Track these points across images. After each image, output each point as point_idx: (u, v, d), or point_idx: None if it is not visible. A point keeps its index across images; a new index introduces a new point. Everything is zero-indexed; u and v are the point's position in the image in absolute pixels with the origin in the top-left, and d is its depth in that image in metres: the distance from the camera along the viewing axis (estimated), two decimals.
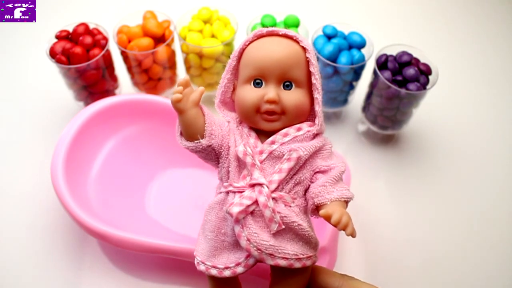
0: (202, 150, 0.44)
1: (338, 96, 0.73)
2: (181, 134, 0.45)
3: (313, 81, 0.44)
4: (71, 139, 0.61)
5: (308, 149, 0.43)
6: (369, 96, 0.71)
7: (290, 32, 0.45)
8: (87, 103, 0.73)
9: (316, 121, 0.45)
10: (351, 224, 0.39)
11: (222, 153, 0.45)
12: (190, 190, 0.67)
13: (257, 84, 0.44)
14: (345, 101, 0.75)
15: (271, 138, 0.44)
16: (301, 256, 0.42)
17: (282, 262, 0.41)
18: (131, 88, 0.78)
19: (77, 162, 0.61)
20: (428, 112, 0.78)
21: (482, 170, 0.74)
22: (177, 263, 0.60)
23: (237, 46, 0.47)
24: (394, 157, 0.74)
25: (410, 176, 0.73)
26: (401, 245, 0.65)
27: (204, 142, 0.43)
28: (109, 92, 0.73)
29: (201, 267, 0.45)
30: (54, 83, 0.77)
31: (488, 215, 0.69)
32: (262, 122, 0.44)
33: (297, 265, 0.42)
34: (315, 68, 0.44)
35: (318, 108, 0.45)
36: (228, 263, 0.44)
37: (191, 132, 0.44)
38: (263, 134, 0.45)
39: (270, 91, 0.43)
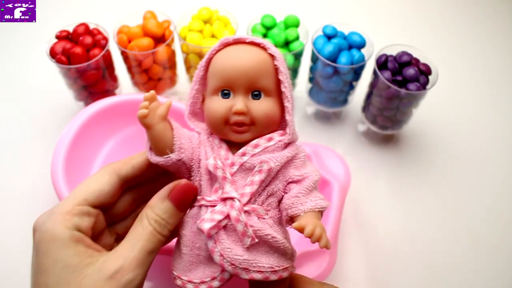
0: (172, 164, 0.43)
1: (338, 96, 0.73)
2: (150, 149, 0.44)
3: (282, 89, 0.43)
4: (71, 139, 0.61)
5: (279, 160, 0.42)
6: (369, 96, 0.72)
7: (257, 39, 0.44)
8: (87, 103, 0.73)
9: (287, 130, 0.44)
10: (324, 236, 0.38)
11: (193, 166, 0.44)
12: None
13: (225, 95, 0.43)
14: (345, 101, 0.75)
15: (241, 150, 0.43)
16: (277, 268, 0.41)
17: (257, 276, 0.41)
18: (131, 88, 0.78)
19: (77, 162, 0.61)
20: (428, 112, 0.78)
21: (482, 170, 0.74)
22: None
23: None
24: (394, 157, 0.75)
25: (410, 176, 0.73)
26: (401, 245, 0.65)
27: (173, 156, 0.42)
28: (109, 92, 0.74)
29: (178, 282, 0.44)
30: (54, 83, 0.77)
31: (489, 215, 0.69)
32: (232, 134, 0.43)
33: (273, 277, 0.41)
34: (283, 76, 0.43)
35: (289, 117, 0.44)
36: (203, 278, 0.43)
37: (160, 147, 0.42)
38: (234, 145, 0.44)
39: (238, 102, 0.42)
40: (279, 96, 0.44)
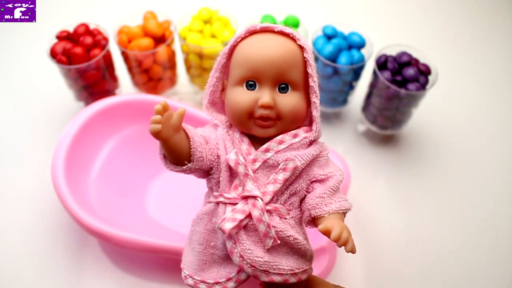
0: (190, 172, 0.41)
1: (338, 96, 0.73)
2: (164, 156, 0.41)
3: (311, 83, 0.41)
4: (72, 139, 0.61)
5: (305, 158, 0.40)
6: (369, 96, 0.72)
7: (287, 29, 0.41)
8: (87, 103, 0.73)
9: (314, 127, 0.42)
10: (351, 240, 0.37)
11: (213, 167, 0.41)
12: (190, 190, 0.67)
13: (250, 86, 0.40)
14: (344, 101, 0.76)
15: (265, 146, 0.41)
16: (297, 271, 0.40)
17: (277, 278, 0.39)
18: (131, 88, 0.78)
19: (77, 162, 0.61)
20: (427, 112, 0.78)
21: (482, 169, 0.74)
22: (177, 263, 0.60)
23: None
24: (393, 157, 0.75)
25: (410, 175, 0.73)
26: (401, 244, 0.65)
27: (192, 166, 0.40)
28: (109, 92, 0.74)
29: (189, 281, 0.42)
30: (54, 83, 0.77)
31: (488, 215, 0.69)
32: (256, 128, 0.41)
33: (293, 280, 0.40)
34: (313, 70, 0.41)
35: (316, 113, 0.41)
36: (218, 278, 0.41)
37: (177, 158, 0.40)
38: (256, 140, 0.42)
39: (264, 95, 0.40)
40: (306, 90, 0.42)
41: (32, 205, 0.67)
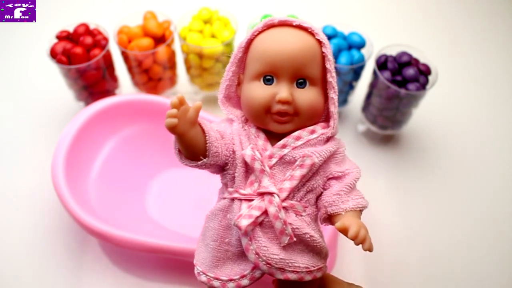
0: (205, 167, 0.41)
1: (338, 96, 0.73)
2: (179, 151, 0.41)
3: (329, 79, 0.40)
4: (72, 139, 0.61)
5: (322, 155, 0.40)
6: (369, 96, 0.72)
7: (305, 23, 0.40)
8: (87, 103, 0.73)
9: (331, 123, 0.42)
10: (368, 238, 0.37)
11: (228, 163, 0.41)
12: (190, 190, 0.67)
13: (268, 81, 0.40)
14: (344, 101, 0.76)
15: (282, 142, 0.40)
16: (312, 269, 0.40)
17: (293, 276, 0.39)
18: (131, 88, 0.78)
19: (77, 162, 0.61)
20: (427, 112, 0.78)
21: (481, 169, 0.74)
22: (177, 263, 0.60)
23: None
24: (393, 157, 0.75)
25: (410, 176, 0.73)
26: (401, 244, 0.65)
27: (208, 161, 0.40)
28: (109, 92, 0.74)
29: (202, 278, 0.42)
30: (54, 83, 0.77)
31: (488, 214, 0.69)
32: (272, 124, 0.40)
33: (308, 278, 0.40)
34: (331, 65, 0.40)
35: (334, 109, 0.41)
36: (232, 275, 0.41)
37: (192, 153, 0.40)
38: (272, 136, 0.41)
39: (282, 90, 0.39)
40: (324, 85, 0.42)
41: (32, 205, 0.67)
